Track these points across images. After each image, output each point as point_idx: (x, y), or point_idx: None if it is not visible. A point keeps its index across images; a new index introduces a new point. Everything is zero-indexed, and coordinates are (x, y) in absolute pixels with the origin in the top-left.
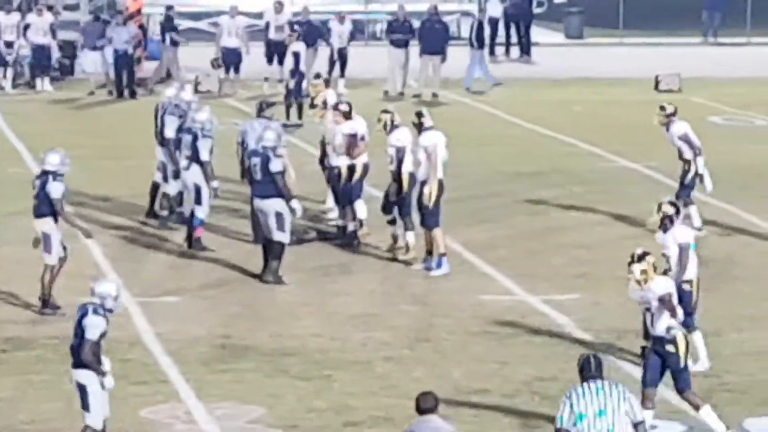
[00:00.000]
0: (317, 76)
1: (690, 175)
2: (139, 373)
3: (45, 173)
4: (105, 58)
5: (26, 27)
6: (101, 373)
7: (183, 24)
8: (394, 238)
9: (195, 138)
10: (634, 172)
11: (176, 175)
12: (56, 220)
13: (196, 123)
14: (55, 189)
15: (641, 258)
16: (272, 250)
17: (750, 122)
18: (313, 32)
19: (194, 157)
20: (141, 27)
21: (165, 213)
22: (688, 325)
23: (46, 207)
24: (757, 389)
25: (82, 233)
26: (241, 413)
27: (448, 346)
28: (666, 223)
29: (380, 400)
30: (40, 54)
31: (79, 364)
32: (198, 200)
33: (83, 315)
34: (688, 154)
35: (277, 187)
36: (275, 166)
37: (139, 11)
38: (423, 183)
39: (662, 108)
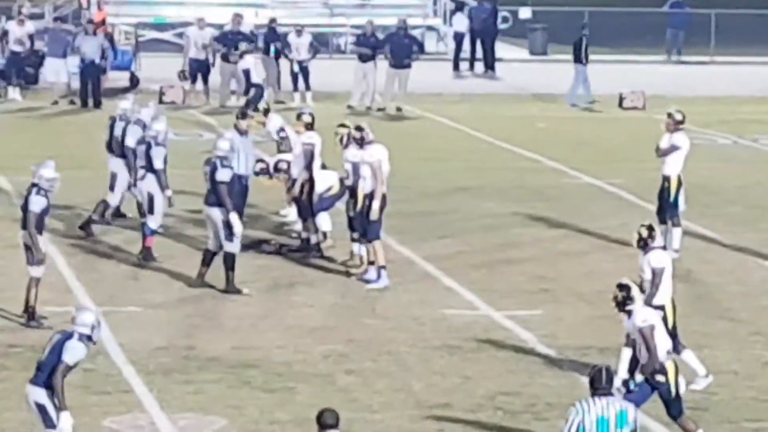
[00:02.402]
0: (255, 108)
1: (673, 193)
2: (102, 383)
3: (33, 186)
4: (68, 67)
5: (4, 33)
6: (60, 406)
7: (147, 35)
8: (352, 253)
9: (149, 147)
10: (597, 188)
11: (131, 185)
12: (40, 233)
13: (152, 132)
14: (35, 201)
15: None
16: (224, 261)
17: (712, 140)
18: (236, 45)
19: (148, 166)
20: (107, 37)
21: (96, 217)
22: (675, 347)
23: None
24: (717, 407)
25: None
26: (204, 424)
27: (410, 360)
28: (641, 244)
29: (342, 413)
30: (15, 62)
31: (41, 382)
32: (150, 209)
33: (67, 338)
34: (668, 169)
35: (219, 196)
36: (221, 175)
37: (103, 21)
38: (368, 196)
39: (669, 115)
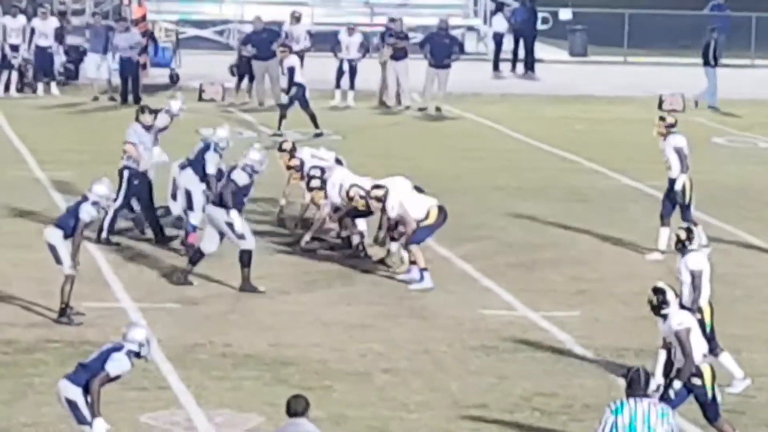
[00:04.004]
0: (281, 148)
1: (687, 195)
2: (139, 378)
3: (86, 198)
4: (109, 64)
5: (32, 31)
6: (95, 412)
7: (188, 32)
8: (389, 251)
9: (206, 148)
10: (636, 190)
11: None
12: (67, 236)
13: (214, 137)
14: (86, 211)
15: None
16: (240, 259)
17: (753, 143)
18: (266, 42)
19: (187, 162)
20: (147, 33)
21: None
22: (713, 350)
23: (66, 221)
24: (755, 410)
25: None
26: (240, 421)
27: (447, 360)
28: (678, 247)
29: (378, 412)
30: (41, 58)
31: (78, 381)
32: (190, 205)
33: (115, 349)
34: (674, 171)
35: (224, 196)
36: (238, 176)
37: (143, 17)
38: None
39: (662, 119)
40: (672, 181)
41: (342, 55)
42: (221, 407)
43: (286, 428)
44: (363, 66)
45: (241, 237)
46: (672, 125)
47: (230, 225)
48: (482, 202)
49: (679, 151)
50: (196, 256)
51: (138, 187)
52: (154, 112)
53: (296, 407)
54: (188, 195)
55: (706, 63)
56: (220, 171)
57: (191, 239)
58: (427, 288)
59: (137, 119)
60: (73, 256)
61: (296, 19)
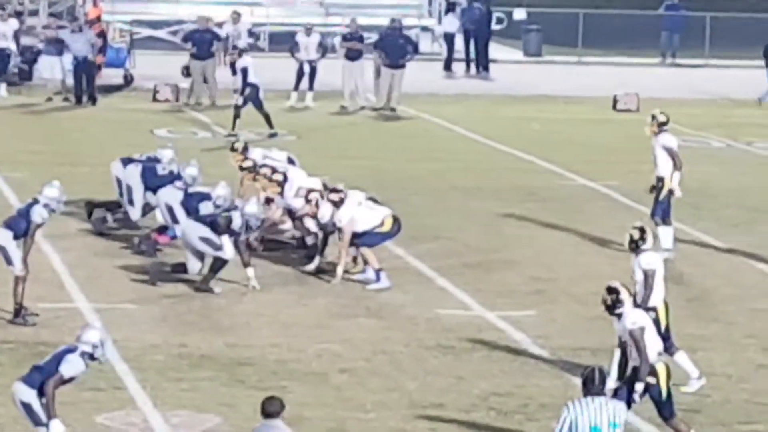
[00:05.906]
0: (233, 148)
1: (663, 192)
2: (95, 379)
3: (37, 200)
4: (63, 65)
5: None
6: (51, 414)
7: (142, 32)
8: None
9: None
10: (592, 190)
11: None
12: (17, 237)
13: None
14: (38, 213)
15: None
16: (213, 263)
17: (706, 143)
18: (207, 42)
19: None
20: (101, 34)
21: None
22: (668, 349)
23: (17, 223)
24: (711, 409)
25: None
26: (197, 422)
27: (404, 360)
28: (632, 246)
29: (335, 412)
30: (0, 59)
31: (32, 383)
32: (174, 219)
33: (69, 351)
34: (663, 170)
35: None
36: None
37: (98, 18)
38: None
39: (653, 117)
40: (660, 181)
41: (301, 56)
42: (178, 408)
43: (260, 429)
44: (320, 66)
45: (219, 248)
46: (665, 123)
47: (205, 239)
48: (438, 202)
49: (669, 151)
50: (218, 265)
51: None
52: None
53: (271, 408)
54: (170, 209)
55: None
56: (171, 173)
57: (162, 239)
58: (385, 288)
59: None
60: (23, 258)
61: (235, 19)
